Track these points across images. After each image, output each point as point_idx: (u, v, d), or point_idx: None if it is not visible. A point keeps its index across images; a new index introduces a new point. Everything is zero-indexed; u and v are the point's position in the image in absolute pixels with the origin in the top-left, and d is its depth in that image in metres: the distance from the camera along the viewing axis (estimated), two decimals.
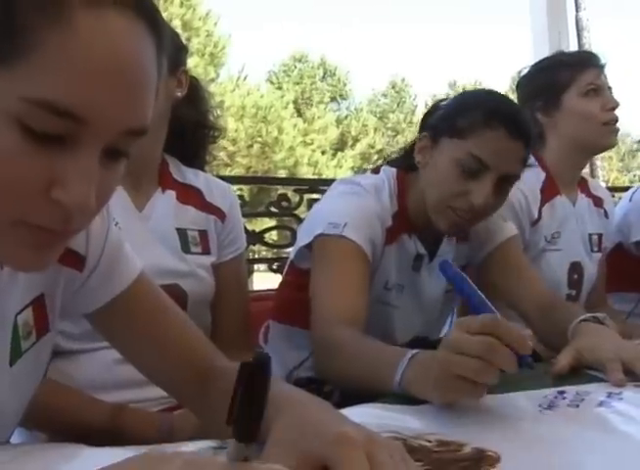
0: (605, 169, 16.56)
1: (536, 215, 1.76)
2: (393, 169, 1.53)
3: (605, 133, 1.79)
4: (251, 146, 18.80)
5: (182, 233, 1.40)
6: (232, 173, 17.70)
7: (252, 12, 59.30)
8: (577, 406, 0.91)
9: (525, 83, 1.90)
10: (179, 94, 1.41)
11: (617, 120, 1.80)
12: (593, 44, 9.90)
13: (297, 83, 29.45)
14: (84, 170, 0.58)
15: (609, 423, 0.84)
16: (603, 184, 10.28)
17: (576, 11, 9.87)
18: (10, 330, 0.76)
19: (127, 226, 1.25)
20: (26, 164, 0.57)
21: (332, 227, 1.37)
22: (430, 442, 0.79)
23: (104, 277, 0.86)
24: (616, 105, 1.79)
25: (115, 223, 0.96)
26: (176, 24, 16.54)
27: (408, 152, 1.54)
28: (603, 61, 1.84)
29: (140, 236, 1.31)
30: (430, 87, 61.39)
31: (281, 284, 1.70)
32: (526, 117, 1.41)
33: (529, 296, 1.48)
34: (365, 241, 1.38)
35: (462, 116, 1.38)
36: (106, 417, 1.17)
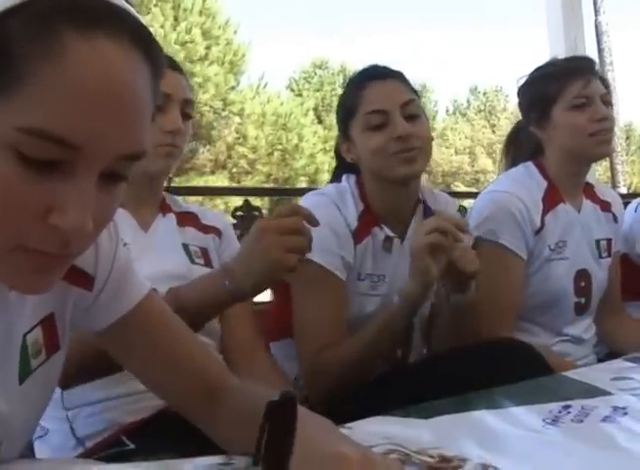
0: (627, 174, 16.40)
1: (539, 224, 1.74)
2: (354, 175, 1.64)
3: (593, 145, 1.75)
4: (271, 153, 18.83)
5: (186, 247, 1.45)
6: (252, 181, 17.78)
7: (272, 19, 59.63)
8: (581, 421, 0.91)
9: (522, 94, 1.90)
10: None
11: (607, 131, 1.75)
12: (613, 48, 9.84)
13: (318, 90, 29.47)
14: (81, 196, 0.60)
15: (611, 439, 0.84)
16: (624, 189, 10.21)
17: (595, 15, 9.81)
18: (18, 349, 0.78)
19: (135, 243, 1.31)
20: (24, 191, 0.59)
21: None
22: (432, 457, 0.80)
23: (113, 296, 0.88)
24: (603, 116, 1.74)
25: (124, 244, 0.98)
26: (196, 33, 16.64)
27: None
28: (595, 68, 1.80)
29: (148, 249, 1.36)
30: (451, 93, 61.30)
31: (271, 303, 1.77)
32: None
33: None
34: (333, 261, 1.52)
35: (344, 101, 1.62)
36: None
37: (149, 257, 1.33)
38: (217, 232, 1.53)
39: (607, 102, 1.77)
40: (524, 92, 1.88)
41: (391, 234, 1.61)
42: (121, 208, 1.34)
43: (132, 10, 0.62)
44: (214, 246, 1.51)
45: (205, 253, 1.48)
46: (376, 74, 1.60)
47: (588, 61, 1.85)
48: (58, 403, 1.23)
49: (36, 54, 0.56)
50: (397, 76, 1.60)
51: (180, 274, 1.36)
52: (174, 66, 1.45)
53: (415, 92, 1.61)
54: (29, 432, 0.86)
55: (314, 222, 1.16)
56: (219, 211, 1.76)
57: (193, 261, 1.44)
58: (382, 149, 1.53)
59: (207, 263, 1.47)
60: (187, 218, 1.51)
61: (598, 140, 1.74)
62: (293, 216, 1.16)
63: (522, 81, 1.90)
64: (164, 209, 1.49)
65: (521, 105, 1.90)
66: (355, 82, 1.62)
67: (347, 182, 1.63)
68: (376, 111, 1.54)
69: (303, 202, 1.62)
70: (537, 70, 1.87)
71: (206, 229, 1.52)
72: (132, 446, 1.19)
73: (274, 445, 0.47)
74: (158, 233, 1.44)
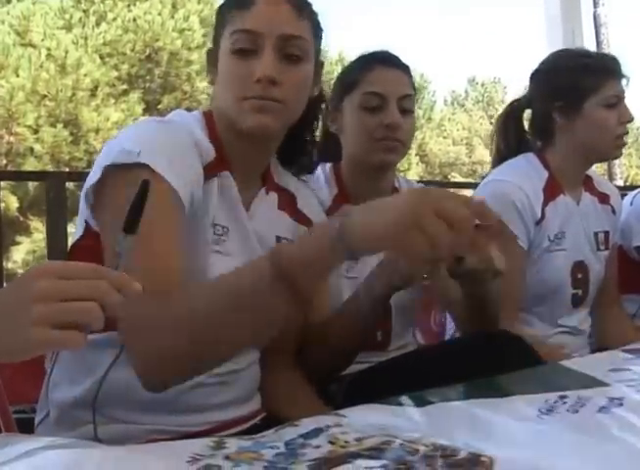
0: (624, 166, 16.41)
1: (540, 215, 1.73)
2: (329, 164, 1.68)
3: (615, 146, 1.78)
4: None
5: (278, 242, 1.29)
6: None
7: None
8: (577, 412, 0.91)
9: (544, 79, 1.85)
10: (315, 93, 1.33)
11: (627, 133, 1.78)
12: (611, 41, 9.83)
13: None
14: None
15: (607, 430, 0.83)
16: (621, 181, 10.21)
17: (594, 7, 9.79)
18: None
19: (236, 224, 1.20)
20: None
21: None
22: (426, 446, 0.79)
23: None
24: (631, 118, 1.75)
25: (223, 227, 1.09)
26: (194, 21, 16.56)
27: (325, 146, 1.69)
28: (625, 71, 1.80)
29: (247, 238, 1.23)
30: (449, 83, 61.27)
31: None
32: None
33: None
34: None
35: (347, 74, 1.66)
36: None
37: (242, 252, 1.19)
38: (309, 225, 1.35)
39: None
40: (547, 78, 1.84)
41: None
42: (230, 173, 1.21)
43: None
44: None
45: None
46: (385, 60, 1.63)
47: (620, 64, 1.84)
48: (87, 404, 1.07)
49: None
50: (404, 69, 1.63)
51: None
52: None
53: (414, 88, 1.64)
54: None
55: None
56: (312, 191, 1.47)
57: None
58: (369, 131, 1.56)
59: None
60: (285, 200, 1.34)
61: (619, 143, 1.77)
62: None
63: (541, 67, 1.87)
64: (269, 183, 1.31)
65: (540, 90, 1.85)
66: (363, 61, 1.66)
67: (322, 169, 1.66)
68: (375, 93, 1.56)
69: None
70: (568, 58, 1.84)
71: (300, 218, 1.36)
72: None
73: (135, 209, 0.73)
74: (257, 220, 1.26)
